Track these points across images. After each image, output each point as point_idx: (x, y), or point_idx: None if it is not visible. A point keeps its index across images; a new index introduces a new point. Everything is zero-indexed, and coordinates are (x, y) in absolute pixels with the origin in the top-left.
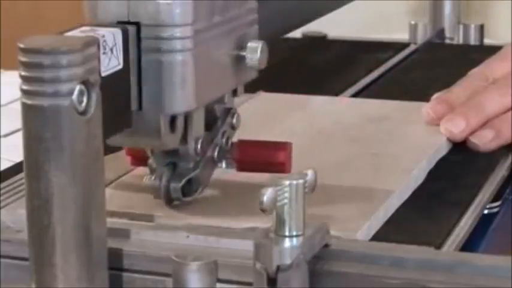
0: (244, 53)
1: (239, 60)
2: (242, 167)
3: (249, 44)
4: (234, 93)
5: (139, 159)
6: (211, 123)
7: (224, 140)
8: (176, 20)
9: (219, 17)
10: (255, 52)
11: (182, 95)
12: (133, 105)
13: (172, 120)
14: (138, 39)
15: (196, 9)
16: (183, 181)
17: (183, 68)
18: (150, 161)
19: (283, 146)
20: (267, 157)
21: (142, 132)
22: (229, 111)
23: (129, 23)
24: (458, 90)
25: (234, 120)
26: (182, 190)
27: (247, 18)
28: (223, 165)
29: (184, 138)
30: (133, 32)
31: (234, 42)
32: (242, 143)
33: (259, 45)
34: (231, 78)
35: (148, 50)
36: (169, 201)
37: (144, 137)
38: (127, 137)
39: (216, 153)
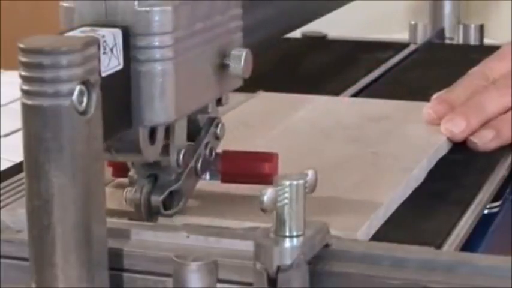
0: (227, 62)
1: (223, 68)
2: (227, 178)
3: (233, 52)
4: (219, 102)
5: (121, 169)
6: (194, 133)
7: (207, 151)
8: (155, 29)
9: (201, 24)
10: (239, 60)
11: (161, 106)
12: None
13: (152, 131)
14: None
15: (176, 17)
16: (164, 194)
17: (162, 78)
18: (131, 172)
19: (269, 157)
20: (253, 168)
21: (122, 145)
22: (213, 121)
23: None
24: (459, 90)
25: (218, 130)
26: (163, 203)
27: (230, 25)
28: (207, 176)
29: (165, 150)
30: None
31: (217, 50)
32: (227, 153)
33: (243, 53)
34: (214, 87)
35: None
36: (150, 215)
37: (123, 149)
38: (106, 151)
39: (199, 165)
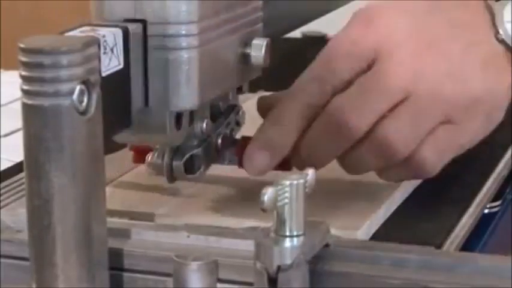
0: (248, 51)
1: (244, 58)
2: None
3: (254, 42)
4: (239, 90)
5: (143, 154)
6: (216, 119)
7: (228, 131)
8: (182, 18)
9: (224, 15)
10: (260, 50)
11: (187, 92)
12: (140, 102)
13: (178, 117)
14: (145, 36)
15: (202, 7)
16: (185, 157)
17: (188, 65)
18: None
19: None
20: None
21: (148, 129)
22: (233, 108)
23: (135, 20)
24: (288, 121)
25: (239, 117)
26: (184, 167)
27: (252, 16)
28: (226, 160)
29: (190, 120)
30: (140, 29)
31: (239, 40)
32: (245, 139)
33: (264, 43)
34: (236, 75)
35: (154, 47)
36: (171, 179)
37: (150, 133)
38: (133, 134)
39: (219, 141)
